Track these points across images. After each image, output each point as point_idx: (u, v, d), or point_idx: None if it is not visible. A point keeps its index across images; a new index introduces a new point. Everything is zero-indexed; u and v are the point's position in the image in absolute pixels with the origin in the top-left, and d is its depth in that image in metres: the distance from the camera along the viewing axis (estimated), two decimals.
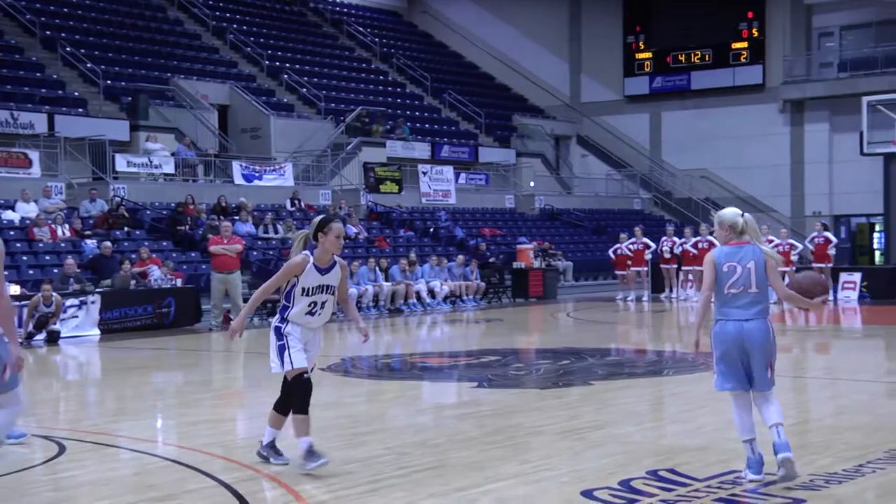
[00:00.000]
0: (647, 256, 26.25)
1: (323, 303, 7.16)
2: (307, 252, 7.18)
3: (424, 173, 32.64)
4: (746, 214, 6.70)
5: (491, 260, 27.96)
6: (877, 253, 38.78)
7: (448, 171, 33.44)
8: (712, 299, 6.69)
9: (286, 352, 7.04)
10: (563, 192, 39.35)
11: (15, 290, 17.59)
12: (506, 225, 33.45)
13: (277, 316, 7.18)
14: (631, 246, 26.22)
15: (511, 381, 12.09)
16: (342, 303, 7.54)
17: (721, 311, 6.61)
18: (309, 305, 7.10)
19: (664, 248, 26.13)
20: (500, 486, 6.64)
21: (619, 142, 41.80)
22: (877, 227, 38.87)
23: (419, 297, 24.37)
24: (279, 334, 7.10)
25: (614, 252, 26.60)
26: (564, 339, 18.56)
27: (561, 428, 8.74)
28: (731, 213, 6.74)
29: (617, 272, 26.78)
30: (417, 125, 36.73)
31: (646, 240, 26.33)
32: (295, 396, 7.06)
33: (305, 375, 7.05)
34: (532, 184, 37.78)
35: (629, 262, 26.17)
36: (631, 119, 41.74)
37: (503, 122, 40.47)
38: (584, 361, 13.63)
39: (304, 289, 7.07)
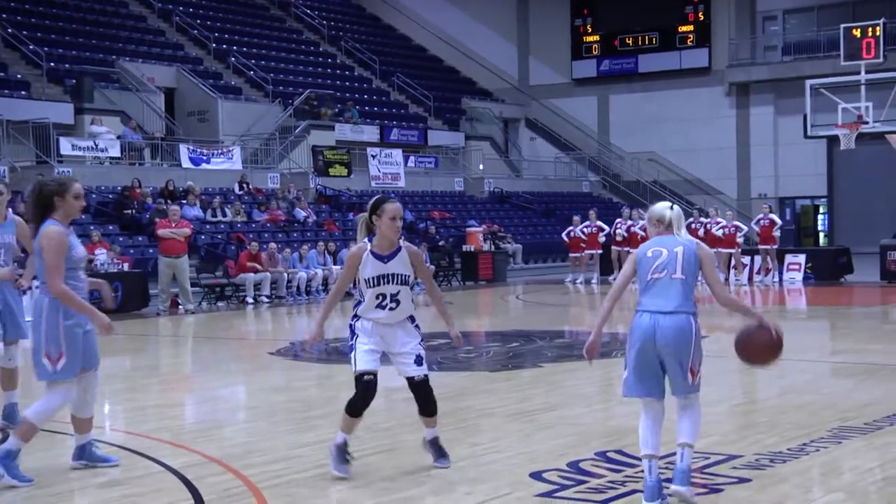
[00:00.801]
0: (601, 239, 26.41)
1: (393, 295, 6.54)
2: (367, 239, 6.59)
3: (373, 156, 32.54)
4: (676, 207, 6.01)
5: (440, 243, 27.97)
6: (821, 234, 39.37)
7: (397, 154, 33.36)
8: (624, 291, 5.96)
9: (353, 353, 6.53)
10: (512, 175, 39.46)
11: None
12: (455, 208, 33.47)
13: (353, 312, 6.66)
14: (585, 229, 26.35)
15: (461, 363, 12.11)
16: (428, 295, 7.07)
17: (640, 301, 5.82)
18: (377, 298, 6.50)
19: (618, 231, 26.22)
20: (450, 469, 6.66)
21: (568, 125, 41.97)
22: (821, 209, 39.46)
23: None
24: (351, 332, 6.61)
25: (567, 235, 26.74)
26: (514, 321, 18.62)
27: (511, 410, 8.78)
28: (659, 206, 6.05)
29: (570, 254, 26.93)
30: (366, 108, 36.60)
31: (599, 223, 26.48)
32: (354, 395, 6.53)
33: (367, 377, 6.47)
34: (481, 167, 37.83)
35: (583, 245, 26.32)
36: (579, 102, 41.92)
37: (452, 105, 40.45)
38: (533, 344, 13.70)
39: (366, 280, 6.49)
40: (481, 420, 8.39)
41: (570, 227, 26.78)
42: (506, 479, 6.36)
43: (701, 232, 24.83)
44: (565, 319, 18.82)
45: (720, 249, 24.54)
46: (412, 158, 34.88)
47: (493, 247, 28.66)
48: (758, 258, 24.99)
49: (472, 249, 27.87)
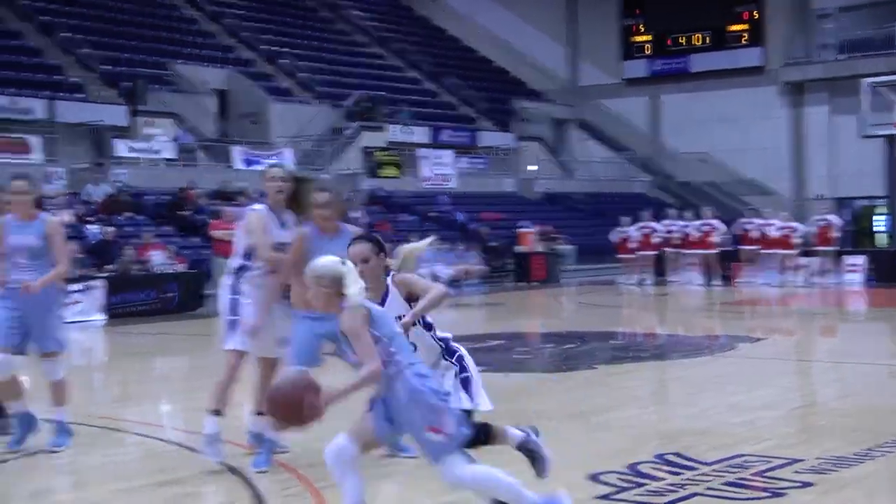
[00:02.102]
0: (655, 240, 26.11)
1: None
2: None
3: (424, 158, 32.57)
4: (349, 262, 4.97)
5: (492, 244, 27.94)
6: (879, 235, 38.70)
7: (448, 155, 33.37)
8: None
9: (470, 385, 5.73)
10: (564, 176, 39.30)
11: None
12: (507, 209, 33.38)
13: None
14: (638, 231, 26.14)
15: (515, 364, 12.08)
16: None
17: None
18: None
19: (674, 232, 25.89)
20: (507, 471, 6.62)
21: (619, 125, 41.74)
22: (878, 210, 38.82)
23: None
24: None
25: (616, 236, 26.56)
26: (568, 322, 18.55)
27: (566, 411, 8.73)
28: (327, 263, 4.92)
29: (620, 256, 26.73)
30: (416, 109, 36.64)
31: (653, 224, 26.23)
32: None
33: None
34: (533, 167, 37.71)
35: (632, 246, 26.10)
36: (630, 102, 41.64)
37: (502, 106, 40.34)
38: (587, 345, 13.64)
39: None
40: (536, 421, 8.33)
41: (619, 229, 26.55)
42: (563, 482, 6.32)
43: (756, 233, 24.55)
44: (619, 321, 18.70)
45: (776, 251, 24.27)
46: (463, 159, 34.85)
47: (546, 248, 28.55)
48: (815, 259, 24.63)
49: (525, 250, 27.80)
